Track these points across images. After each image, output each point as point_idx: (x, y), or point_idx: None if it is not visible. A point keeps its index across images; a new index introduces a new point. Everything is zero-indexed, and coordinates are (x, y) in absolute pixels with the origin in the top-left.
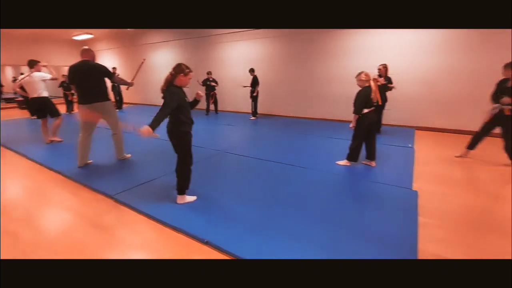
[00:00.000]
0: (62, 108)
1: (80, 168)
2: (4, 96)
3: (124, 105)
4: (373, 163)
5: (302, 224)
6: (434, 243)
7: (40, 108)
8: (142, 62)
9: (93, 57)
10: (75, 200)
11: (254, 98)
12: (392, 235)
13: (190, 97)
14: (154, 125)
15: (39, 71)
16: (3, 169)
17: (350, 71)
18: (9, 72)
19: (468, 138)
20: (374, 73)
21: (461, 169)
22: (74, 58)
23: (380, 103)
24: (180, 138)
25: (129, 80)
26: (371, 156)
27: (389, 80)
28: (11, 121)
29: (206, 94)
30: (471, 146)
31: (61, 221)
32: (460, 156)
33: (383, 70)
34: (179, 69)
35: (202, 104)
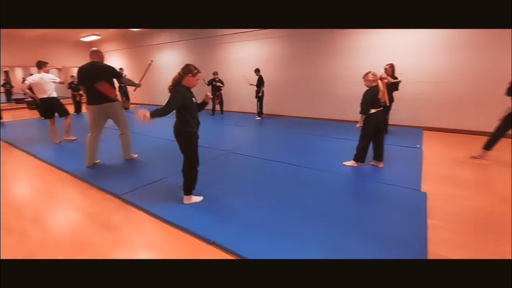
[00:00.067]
0: (70, 109)
1: (88, 168)
2: (14, 96)
3: (131, 105)
4: (381, 164)
5: (308, 225)
6: (444, 245)
7: (49, 108)
8: (150, 64)
9: (102, 58)
10: (83, 200)
11: (260, 98)
12: (400, 237)
13: (198, 98)
14: (153, 114)
15: (47, 72)
16: (13, 168)
17: (356, 71)
18: (19, 73)
19: (477, 139)
20: (381, 73)
21: (471, 170)
22: (82, 59)
23: (388, 103)
24: (186, 139)
25: (136, 81)
26: (378, 157)
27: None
28: (21, 121)
29: (212, 95)
30: (488, 146)
31: (69, 220)
32: (477, 157)
33: (390, 70)
34: (187, 70)
35: (208, 105)
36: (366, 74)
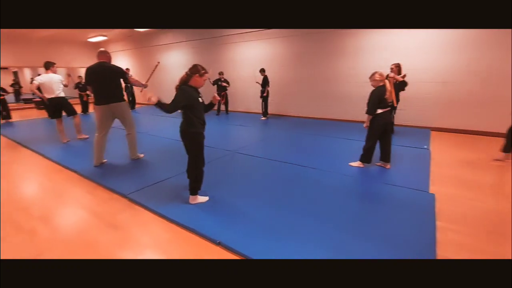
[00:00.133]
0: (77, 109)
1: (96, 167)
2: (22, 96)
3: (137, 106)
4: (388, 165)
5: (313, 226)
6: (453, 248)
7: (57, 108)
8: (157, 65)
9: (109, 59)
10: (91, 199)
11: (265, 98)
12: (409, 239)
13: (205, 99)
14: (158, 104)
15: (55, 72)
16: (22, 168)
17: (362, 71)
18: (27, 74)
19: (485, 139)
20: (387, 73)
21: (479, 171)
22: (89, 60)
23: (395, 103)
24: (192, 139)
25: (143, 82)
26: (385, 157)
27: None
28: (29, 121)
29: (217, 94)
30: (506, 149)
31: (77, 219)
32: (498, 160)
33: (396, 70)
34: (195, 70)
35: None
36: (373, 74)
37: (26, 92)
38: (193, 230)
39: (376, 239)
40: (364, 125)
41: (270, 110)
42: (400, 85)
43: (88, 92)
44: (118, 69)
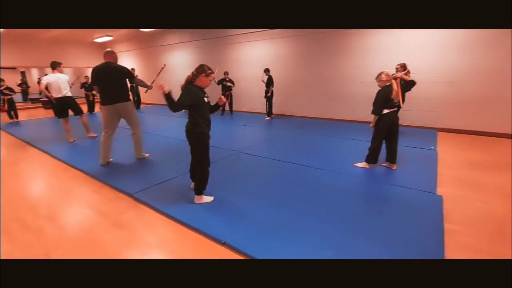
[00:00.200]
0: (83, 108)
1: (101, 167)
2: (30, 96)
3: (142, 105)
4: (394, 166)
5: (318, 227)
6: (462, 250)
7: (64, 107)
8: (163, 67)
9: (116, 59)
10: (97, 198)
11: (269, 98)
12: (416, 241)
13: (211, 98)
14: (168, 96)
15: (61, 72)
16: (29, 167)
17: (367, 71)
18: (34, 74)
19: (493, 140)
20: (392, 72)
21: (488, 173)
22: (95, 60)
23: (402, 104)
24: (197, 139)
25: (148, 83)
26: (391, 158)
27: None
28: (36, 120)
29: (222, 94)
30: None
31: (83, 218)
32: None
33: (401, 70)
34: (201, 70)
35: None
36: (379, 75)
37: (33, 92)
38: (198, 230)
39: (383, 240)
40: (371, 125)
41: (275, 110)
42: (407, 85)
43: (94, 92)
44: (124, 69)
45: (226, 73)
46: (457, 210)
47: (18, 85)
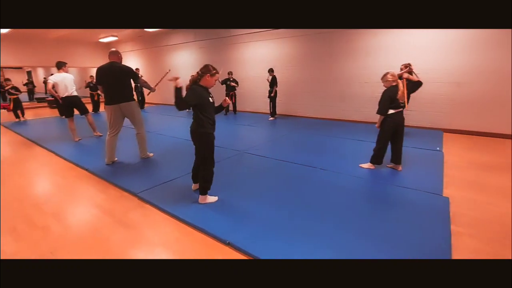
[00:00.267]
0: (88, 108)
1: (107, 166)
2: (36, 96)
3: (146, 105)
4: (399, 167)
5: (323, 228)
6: (469, 254)
7: (70, 106)
8: (167, 73)
9: (120, 59)
10: (102, 197)
11: (272, 99)
12: (423, 243)
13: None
14: (178, 90)
15: (66, 72)
16: (35, 165)
17: (372, 71)
18: (40, 73)
19: (500, 142)
20: (397, 72)
21: (495, 174)
22: (100, 60)
23: (407, 104)
24: (202, 139)
25: (152, 85)
26: (396, 159)
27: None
28: (42, 119)
29: (226, 94)
30: None
31: (89, 217)
32: None
33: (406, 70)
34: (206, 70)
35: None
36: (385, 75)
37: (39, 91)
38: (203, 230)
39: (389, 242)
40: (376, 125)
41: (278, 110)
42: (413, 86)
43: (99, 92)
44: (129, 69)
45: (230, 73)
46: (464, 212)
47: (24, 85)
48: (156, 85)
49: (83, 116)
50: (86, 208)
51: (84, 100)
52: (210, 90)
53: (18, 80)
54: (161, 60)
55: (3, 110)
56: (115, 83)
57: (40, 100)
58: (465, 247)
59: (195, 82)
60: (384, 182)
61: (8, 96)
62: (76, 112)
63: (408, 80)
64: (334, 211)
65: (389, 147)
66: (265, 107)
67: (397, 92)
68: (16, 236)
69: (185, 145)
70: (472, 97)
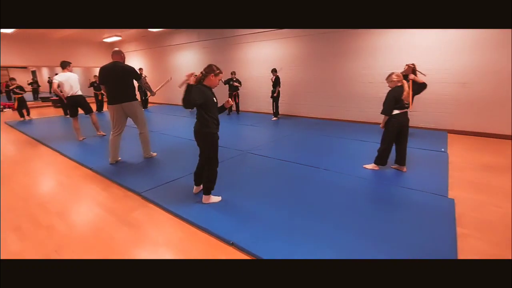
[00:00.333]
0: (93, 107)
1: (110, 165)
2: (40, 95)
3: (149, 105)
4: (404, 168)
5: (326, 229)
6: (475, 256)
7: (75, 106)
8: (168, 80)
9: (123, 58)
10: (106, 196)
11: (275, 99)
12: (428, 245)
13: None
14: (189, 87)
15: (71, 71)
16: (40, 164)
17: (376, 71)
18: (45, 73)
19: (505, 143)
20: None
21: (500, 176)
22: (104, 59)
23: (411, 105)
24: (206, 140)
25: (154, 88)
26: (400, 160)
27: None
28: (46, 118)
29: (229, 94)
30: None
31: (93, 216)
32: None
33: (410, 70)
34: (210, 70)
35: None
36: (390, 75)
37: (43, 91)
38: (207, 230)
39: (394, 244)
40: (380, 125)
41: (281, 110)
42: (418, 88)
43: (103, 91)
44: (131, 69)
45: (233, 73)
46: (470, 214)
47: (29, 84)
48: (157, 90)
49: (88, 115)
50: (90, 207)
51: (88, 100)
52: (213, 90)
53: (23, 79)
54: (165, 60)
55: (8, 109)
56: (118, 82)
57: (44, 99)
58: (471, 249)
59: (199, 82)
60: (388, 183)
61: (13, 95)
62: (80, 111)
63: (413, 81)
64: (337, 211)
65: (393, 148)
66: (268, 107)
67: (402, 93)
68: (21, 235)
69: (188, 145)
70: (477, 98)
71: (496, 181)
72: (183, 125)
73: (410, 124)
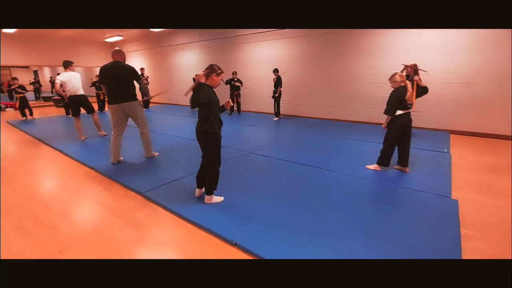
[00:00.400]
0: (94, 107)
1: (113, 165)
2: (42, 94)
3: (151, 105)
4: (407, 169)
5: (328, 229)
6: (480, 257)
7: (77, 105)
8: (163, 92)
9: (124, 58)
10: (108, 196)
11: (277, 99)
12: (432, 247)
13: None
14: (199, 86)
15: (73, 71)
16: (42, 164)
17: (378, 71)
18: (47, 73)
19: (509, 144)
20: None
21: (504, 177)
22: (106, 59)
23: (414, 106)
24: (209, 139)
25: (152, 91)
26: (403, 161)
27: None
28: (48, 118)
29: (230, 94)
30: None
31: (95, 216)
32: None
33: (412, 71)
34: (212, 69)
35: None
36: (393, 76)
37: (45, 90)
38: (209, 230)
39: (397, 245)
40: (383, 125)
41: (283, 110)
42: (420, 91)
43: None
44: (131, 69)
45: (234, 73)
46: (474, 215)
47: (31, 84)
48: (152, 97)
49: (90, 115)
50: (92, 206)
51: (90, 99)
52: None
53: (25, 79)
54: (166, 60)
55: (10, 108)
56: (118, 82)
57: (46, 99)
58: (475, 251)
59: (200, 81)
60: (391, 183)
61: (15, 95)
62: (82, 111)
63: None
64: (339, 212)
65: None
66: (269, 107)
67: (405, 93)
68: (23, 234)
69: (190, 145)
70: (479, 98)
71: (499, 182)
72: (184, 125)
73: (412, 124)
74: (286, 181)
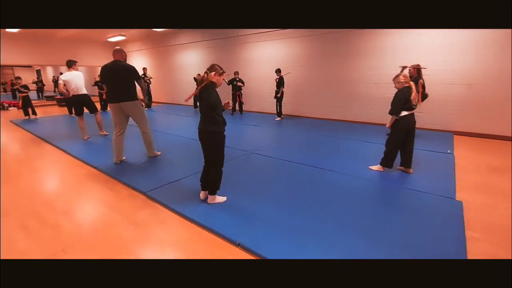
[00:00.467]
0: (97, 106)
1: (116, 164)
2: (45, 94)
3: (153, 104)
4: (410, 170)
5: (331, 230)
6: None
7: (80, 104)
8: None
9: (125, 57)
10: (111, 195)
11: (279, 99)
12: (436, 249)
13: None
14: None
15: (76, 70)
16: (45, 163)
17: (381, 72)
18: (49, 72)
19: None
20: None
21: (508, 178)
22: (108, 59)
23: (420, 104)
24: (215, 139)
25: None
26: (407, 162)
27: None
28: (51, 117)
29: (233, 94)
30: None
31: (99, 215)
32: None
33: (414, 72)
34: (213, 69)
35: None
36: (397, 76)
37: (48, 90)
38: (212, 229)
39: (401, 247)
40: (387, 125)
41: (286, 110)
42: (422, 97)
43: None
44: (131, 68)
45: (236, 73)
46: (479, 216)
47: (34, 83)
48: (145, 101)
49: (92, 114)
50: (96, 206)
51: (92, 99)
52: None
53: (28, 78)
54: (169, 60)
55: (13, 107)
56: (118, 81)
57: (49, 98)
58: (481, 252)
59: (202, 81)
60: (395, 184)
61: (18, 94)
62: (85, 110)
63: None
64: (342, 213)
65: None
66: (271, 107)
67: (410, 93)
68: (27, 233)
69: (192, 145)
70: (483, 99)
71: (504, 184)
72: (187, 124)
73: (416, 125)
74: (288, 181)
